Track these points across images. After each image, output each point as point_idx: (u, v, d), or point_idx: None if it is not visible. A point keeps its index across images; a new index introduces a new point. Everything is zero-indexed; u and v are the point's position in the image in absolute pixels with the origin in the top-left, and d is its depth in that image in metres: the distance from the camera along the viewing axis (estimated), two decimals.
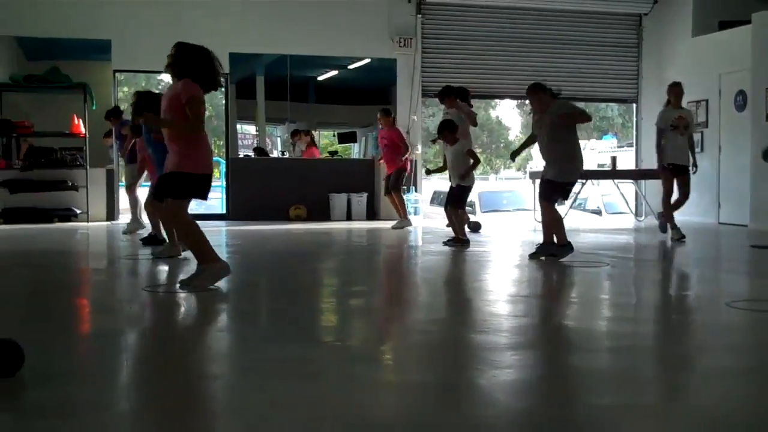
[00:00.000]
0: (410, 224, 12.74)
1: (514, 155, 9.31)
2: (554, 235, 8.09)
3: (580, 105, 9.98)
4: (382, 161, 13.30)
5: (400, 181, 12.89)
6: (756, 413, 3.17)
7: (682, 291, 5.95)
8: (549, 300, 6.30)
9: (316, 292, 6.89)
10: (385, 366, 4.06)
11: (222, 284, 6.09)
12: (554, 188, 8.07)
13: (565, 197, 8.81)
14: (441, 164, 11.45)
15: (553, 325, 5.17)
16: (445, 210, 10.03)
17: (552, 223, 8.13)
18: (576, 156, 8.05)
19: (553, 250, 8.04)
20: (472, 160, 9.79)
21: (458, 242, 9.53)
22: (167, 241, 8.35)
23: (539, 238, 8.35)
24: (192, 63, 6.05)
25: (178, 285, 6.10)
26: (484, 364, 3.99)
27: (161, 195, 6.25)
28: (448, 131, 9.75)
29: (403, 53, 14.84)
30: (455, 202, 9.82)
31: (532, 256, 8.12)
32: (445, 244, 9.59)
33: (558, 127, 7.89)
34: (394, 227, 12.45)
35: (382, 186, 13.69)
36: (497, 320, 5.19)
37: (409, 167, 13.36)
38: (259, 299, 6.46)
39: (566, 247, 8.01)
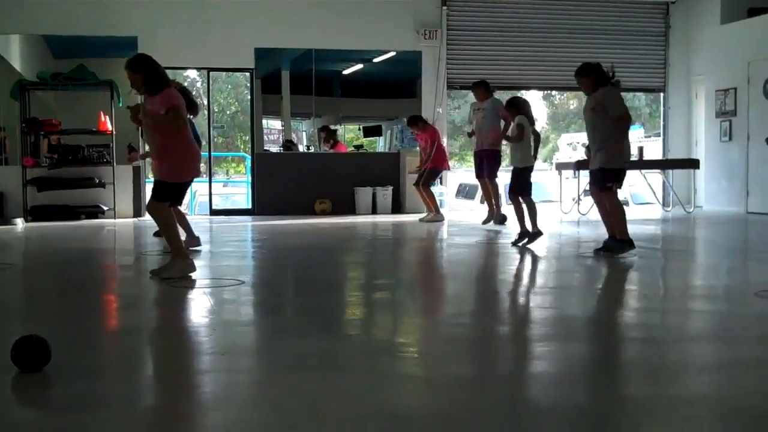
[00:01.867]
0: (442, 219, 12.61)
1: None
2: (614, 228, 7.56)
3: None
4: (419, 168, 12.90)
5: (434, 178, 12.84)
6: None
7: (709, 281, 5.88)
8: (576, 291, 6.25)
9: (342, 285, 6.88)
10: (412, 359, 4.04)
11: (248, 278, 6.15)
12: (606, 176, 7.56)
13: (620, 184, 7.88)
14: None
15: (582, 316, 5.13)
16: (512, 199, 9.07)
17: (617, 213, 7.59)
18: (621, 142, 7.70)
19: (612, 245, 7.52)
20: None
21: (531, 236, 8.72)
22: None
23: (565, 230, 8.22)
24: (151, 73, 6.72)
25: (149, 274, 6.48)
26: (512, 356, 3.96)
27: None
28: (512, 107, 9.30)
29: (428, 45, 14.80)
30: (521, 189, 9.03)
31: (597, 252, 7.58)
32: (514, 244, 8.76)
33: (598, 114, 7.60)
34: (424, 220, 12.43)
35: (407, 178, 13.75)
36: (524, 312, 5.15)
37: (447, 168, 13.38)
38: (285, 293, 6.47)
39: (627, 243, 7.49)
